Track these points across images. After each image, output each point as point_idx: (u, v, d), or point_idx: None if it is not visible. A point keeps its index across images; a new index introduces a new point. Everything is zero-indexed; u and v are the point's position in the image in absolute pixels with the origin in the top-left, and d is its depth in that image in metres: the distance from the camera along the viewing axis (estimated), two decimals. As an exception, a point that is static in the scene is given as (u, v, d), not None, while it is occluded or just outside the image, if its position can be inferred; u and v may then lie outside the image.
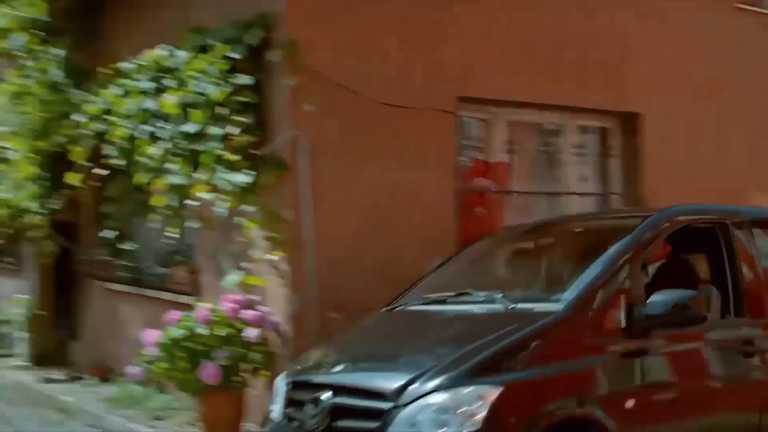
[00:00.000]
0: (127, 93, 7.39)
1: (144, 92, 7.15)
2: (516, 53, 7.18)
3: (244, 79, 6.09)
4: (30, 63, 8.96)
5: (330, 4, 6.32)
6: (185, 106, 6.51)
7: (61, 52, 8.74)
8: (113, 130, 7.45)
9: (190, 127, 6.44)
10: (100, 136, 7.78)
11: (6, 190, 9.58)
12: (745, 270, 4.71)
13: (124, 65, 7.56)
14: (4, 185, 9.70)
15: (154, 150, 6.89)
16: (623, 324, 4.03)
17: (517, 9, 7.21)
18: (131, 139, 7.23)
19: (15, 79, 9.08)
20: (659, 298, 4.13)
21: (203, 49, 6.45)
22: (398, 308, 4.92)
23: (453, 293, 4.71)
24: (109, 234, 8.44)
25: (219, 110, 6.18)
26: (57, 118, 8.51)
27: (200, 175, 6.33)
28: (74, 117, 8.22)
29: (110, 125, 7.54)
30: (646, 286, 4.43)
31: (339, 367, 4.32)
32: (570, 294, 4.16)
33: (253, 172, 6.02)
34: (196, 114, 6.35)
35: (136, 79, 7.30)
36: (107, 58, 8.16)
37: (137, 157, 7.12)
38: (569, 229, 5.68)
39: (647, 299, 4.15)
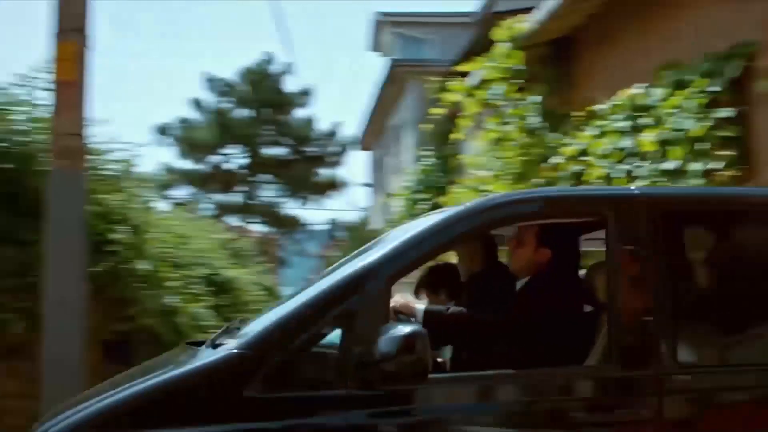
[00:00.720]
0: (602, 133, 7.61)
1: (620, 131, 7.30)
2: None
3: (725, 112, 5.94)
4: (509, 110, 9.68)
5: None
6: (663, 143, 6.53)
7: (537, 98, 9.30)
8: (590, 170, 7.71)
9: (669, 164, 6.43)
10: (577, 177, 8.10)
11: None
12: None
13: (598, 107, 7.81)
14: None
15: (632, 188, 6.98)
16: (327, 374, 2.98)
17: None
18: (608, 178, 7.42)
19: (495, 127, 9.86)
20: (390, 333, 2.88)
21: (679, 85, 6.43)
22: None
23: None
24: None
25: (699, 146, 6.10)
26: (536, 161, 9.03)
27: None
28: (552, 159, 8.66)
29: (587, 165, 7.81)
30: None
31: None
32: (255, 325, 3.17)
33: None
34: (675, 151, 6.33)
35: (611, 119, 7.49)
36: (579, 100, 8.49)
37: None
38: None
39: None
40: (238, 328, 3.26)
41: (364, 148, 28.76)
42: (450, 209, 3.46)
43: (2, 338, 6.22)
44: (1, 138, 6.76)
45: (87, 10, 5.85)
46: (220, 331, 3.58)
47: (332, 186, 34.64)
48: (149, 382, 2.97)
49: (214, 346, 3.13)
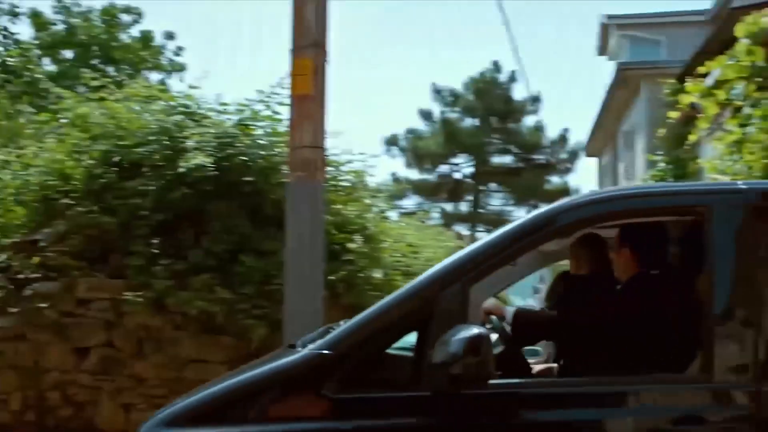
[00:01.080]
0: None
1: None
2: None
3: None
4: (749, 110, 9.09)
5: None
6: None
7: (782, 97, 8.68)
8: None
9: None
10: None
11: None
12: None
13: None
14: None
15: None
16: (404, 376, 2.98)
17: None
18: None
19: (736, 128, 9.29)
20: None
21: None
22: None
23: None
24: None
25: None
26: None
27: None
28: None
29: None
30: None
31: None
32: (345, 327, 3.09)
33: None
34: None
35: None
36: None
37: None
38: None
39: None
40: (335, 329, 3.31)
41: (593, 155, 28.09)
42: (533, 212, 3.37)
43: (244, 344, 6.69)
44: (245, 152, 7.28)
45: (323, 26, 6.02)
46: (319, 331, 3.69)
47: (562, 194, 34.11)
48: (233, 380, 3.13)
49: (305, 346, 3.20)
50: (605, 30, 23.90)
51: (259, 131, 7.69)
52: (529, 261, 4.85)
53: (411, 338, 3.04)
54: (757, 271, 2.95)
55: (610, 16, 23.18)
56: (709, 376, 2.89)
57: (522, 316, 3.46)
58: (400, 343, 3.10)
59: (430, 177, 34.52)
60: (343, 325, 3.13)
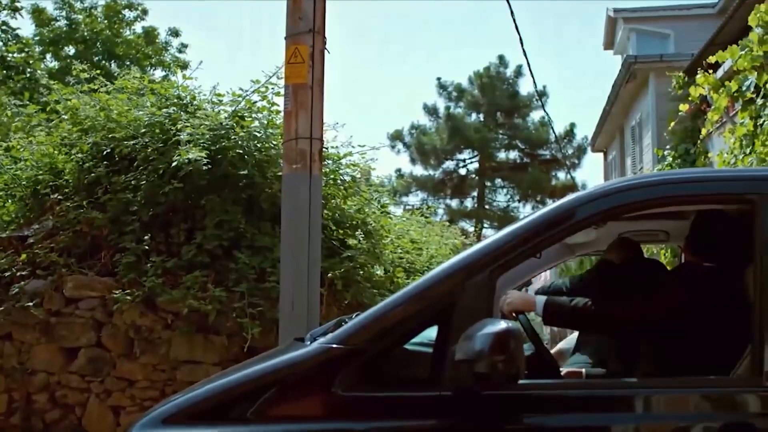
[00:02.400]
0: None
1: None
2: None
3: None
4: (760, 102, 8.82)
5: None
6: None
7: (796, 88, 8.40)
8: None
9: None
10: None
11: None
12: None
13: None
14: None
15: None
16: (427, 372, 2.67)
17: None
18: None
19: (748, 120, 9.03)
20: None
21: None
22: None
23: None
24: None
25: None
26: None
27: None
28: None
29: None
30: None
31: None
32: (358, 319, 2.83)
33: None
34: None
35: None
36: None
37: None
38: None
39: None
40: (347, 322, 3.03)
41: (600, 150, 27.80)
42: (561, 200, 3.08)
43: (239, 344, 6.43)
44: (240, 145, 7.03)
45: (321, 11, 5.78)
46: (329, 324, 3.43)
47: (569, 189, 33.80)
48: (236, 375, 2.91)
49: (314, 339, 2.97)
50: (612, 23, 23.61)
51: (256, 123, 7.42)
52: (552, 253, 4.64)
53: (431, 333, 2.75)
54: None
55: (616, 10, 22.86)
56: (759, 380, 2.62)
57: (555, 306, 3.19)
58: (418, 338, 2.81)
59: (434, 173, 34.30)
60: (357, 318, 2.87)
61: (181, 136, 6.80)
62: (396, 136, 33.84)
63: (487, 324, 2.51)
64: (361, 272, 7.28)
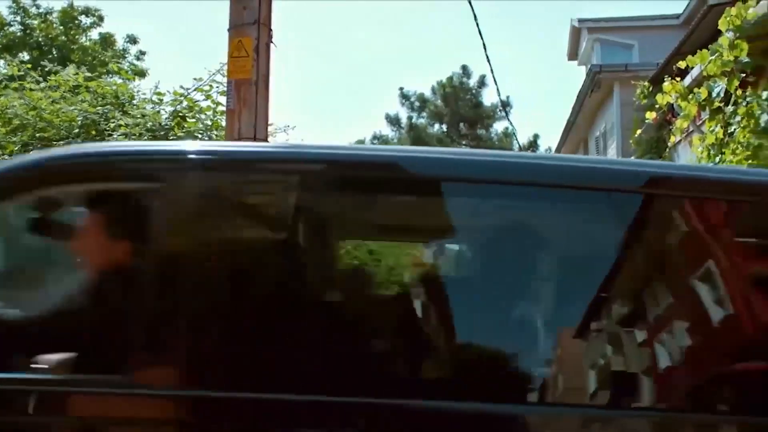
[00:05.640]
0: None
1: None
2: None
3: None
4: (730, 109, 8.55)
5: None
6: None
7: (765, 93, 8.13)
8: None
9: None
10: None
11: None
12: None
13: None
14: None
15: None
16: None
17: None
18: None
19: (717, 128, 8.75)
20: None
21: None
22: None
23: None
24: None
25: None
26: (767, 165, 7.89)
27: None
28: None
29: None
30: None
31: None
32: None
33: None
34: None
35: None
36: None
37: None
38: None
39: None
40: None
41: (564, 161, 27.64)
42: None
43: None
44: None
45: (265, 1, 5.41)
46: None
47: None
48: None
49: None
50: (576, 34, 23.47)
51: (199, 125, 6.95)
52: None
53: None
54: None
55: (581, 20, 22.74)
56: None
57: None
58: None
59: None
60: None
61: (114, 136, 6.29)
62: (358, 146, 33.51)
63: None
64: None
